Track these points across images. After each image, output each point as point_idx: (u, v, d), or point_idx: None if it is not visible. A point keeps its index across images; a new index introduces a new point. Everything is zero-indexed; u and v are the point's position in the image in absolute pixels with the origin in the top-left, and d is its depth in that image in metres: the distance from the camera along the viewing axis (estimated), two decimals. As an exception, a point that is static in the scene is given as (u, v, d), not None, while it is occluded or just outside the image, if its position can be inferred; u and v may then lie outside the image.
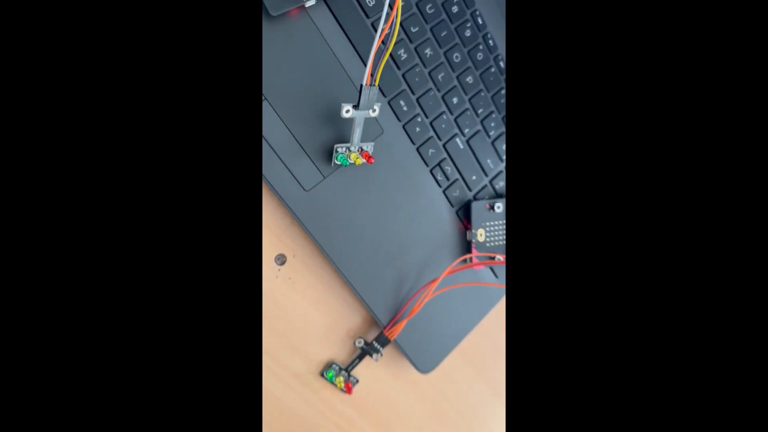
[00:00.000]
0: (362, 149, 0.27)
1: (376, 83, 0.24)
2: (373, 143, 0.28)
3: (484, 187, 0.34)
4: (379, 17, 0.28)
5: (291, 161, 0.26)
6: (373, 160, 0.27)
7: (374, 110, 0.25)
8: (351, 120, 0.26)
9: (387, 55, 0.23)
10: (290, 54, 0.26)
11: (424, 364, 0.33)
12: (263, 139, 0.25)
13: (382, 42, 0.23)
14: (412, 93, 0.30)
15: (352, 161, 0.27)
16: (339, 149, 0.27)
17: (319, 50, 0.27)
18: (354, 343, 0.32)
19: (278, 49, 0.25)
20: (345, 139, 0.28)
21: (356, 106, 0.24)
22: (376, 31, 0.28)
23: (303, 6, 0.26)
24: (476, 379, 0.39)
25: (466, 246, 0.33)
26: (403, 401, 0.36)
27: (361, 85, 0.23)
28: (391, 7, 0.22)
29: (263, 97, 0.25)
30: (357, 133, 0.26)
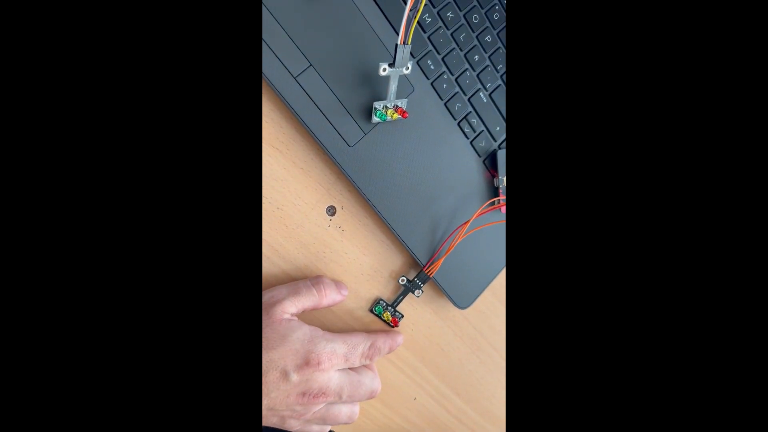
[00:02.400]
0: (397, 106, 0.31)
1: (409, 41, 0.27)
2: (406, 100, 0.31)
3: (507, 138, 0.37)
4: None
5: (336, 120, 0.30)
6: (407, 115, 0.31)
7: (407, 68, 0.29)
8: (387, 78, 0.29)
9: (417, 19, 0.27)
10: (329, 24, 0.29)
11: (462, 300, 0.37)
12: (313, 103, 0.29)
13: (412, 9, 0.26)
14: (438, 53, 0.33)
15: (389, 117, 0.31)
16: (377, 106, 0.30)
17: (355, 19, 0.30)
18: (398, 281, 0.36)
19: (319, 20, 0.29)
20: (381, 97, 0.31)
21: (392, 64, 0.28)
22: (402, -2, 0.31)
23: (338, -20, 0.29)
24: (509, 317, 0.42)
25: (494, 191, 0.37)
26: (443, 337, 0.40)
27: (396, 44, 0.27)
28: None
29: (309, 64, 0.29)
30: (393, 90, 0.29)
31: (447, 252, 0.34)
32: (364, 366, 0.33)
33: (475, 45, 0.35)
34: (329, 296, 0.31)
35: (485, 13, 0.35)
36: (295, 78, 0.29)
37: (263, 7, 0.27)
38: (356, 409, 0.33)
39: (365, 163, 0.32)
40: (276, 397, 0.27)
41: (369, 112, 0.31)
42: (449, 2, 0.34)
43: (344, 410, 0.32)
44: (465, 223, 0.34)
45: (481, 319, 0.41)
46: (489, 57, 0.36)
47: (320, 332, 0.29)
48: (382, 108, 0.30)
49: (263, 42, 0.28)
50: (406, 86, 0.32)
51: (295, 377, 0.27)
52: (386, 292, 0.36)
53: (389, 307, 0.36)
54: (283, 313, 0.29)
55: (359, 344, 0.31)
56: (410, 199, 0.34)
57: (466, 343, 0.41)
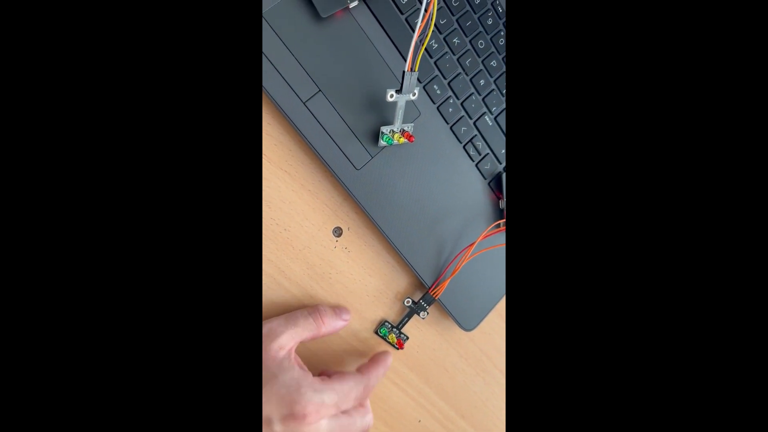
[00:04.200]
0: (404, 130, 0.31)
1: (416, 69, 0.27)
2: (412, 124, 0.32)
3: (512, 160, 0.37)
4: (413, 12, 0.32)
5: (344, 144, 0.31)
6: (413, 139, 0.31)
7: (414, 94, 0.29)
8: (394, 104, 0.30)
9: (423, 47, 0.27)
10: (338, 50, 0.30)
11: (467, 322, 0.37)
12: (321, 127, 0.30)
13: (419, 36, 0.27)
14: (444, 78, 0.34)
15: (395, 141, 0.31)
16: (384, 131, 0.31)
17: (362, 45, 0.31)
18: (403, 303, 0.36)
19: (328, 47, 0.30)
20: (388, 122, 0.32)
21: (399, 91, 0.28)
22: (410, 25, 0.32)
23: (347, 7, 0.30)
24: (514, 339, 0.42)
25: (499, 213, 0.37)
26: (448, 359, 0.39)
27: (403, 72, 0.27)
28: (425, 10, 0.26)
29: (318, 90, 0.29)
30: (399, 115, 0.30)
31: (452, 274, 0.34)
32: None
33: (481, 70, 0.36)
34: (328, 324, 0.31)
35: (491, 38, 0.36)
36: (304, 103, 0.29)
37: (274, 34, 0.28)
38: None
39: (372, 185, 0.32)
40: None
41: (376, 136, 0.31)
42: (455, 28, 0.34)
43: None
44: (470, 245, 0.35)
45: (486, 340, 0.41)
46: (494, 81, 0.36)
47: (310, 379, 0.28)
48: (389, 132, 0.31)
49: (274, 68, 0.28)
50: (412, 111, 0.33)
51: (279, 428, 0.26)
52: (391, 314, 0.36)
53: (394, 329, 0.35)
54: (280, 349, 0.28)
55: (352, 390, 0.29)
56: (416, 221, 0.34)
57: (471, 364, 0.41)
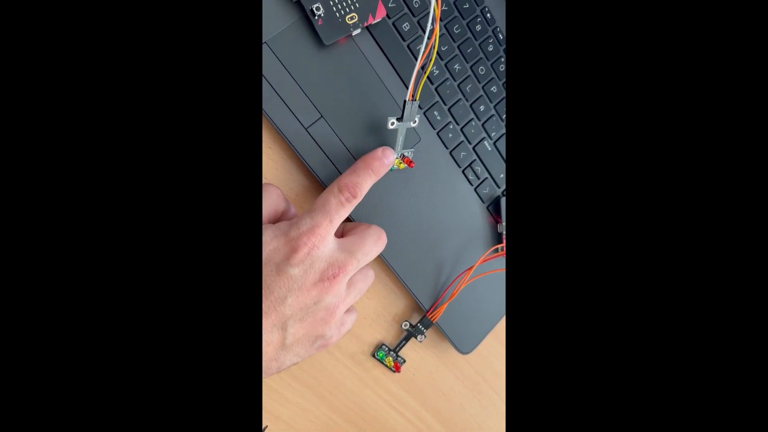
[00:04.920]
0: (404, 155, 0.32)
1: (417, 98, 0.28)
2: (412, 150, 0.32)
3: (511, 184, 0.38)
4: (415, 39, 0.33)
5: (345, 169, 0.31)
6: (413, 165, 0.32)
7: (415, 121, 0.29)
8: (395, 131, 0.30)
9: (425, 77, 0.28)
10: (341, 77, 0.30)
11: (464, 345, 0.37)
12: (323, 153, 0.30)
13: (422, 66, 0.27)
14: (444, 104, 0.34)
15: (395, 166, 0.31)
16: (385, 156, 0.31)
17: (365, 72, 0.31)
18: (400, 326, 0.36)
19: (331, 73, 0.30)
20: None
21: (400, 119, 0.29)
22: (412, 52, 0.33)
23: (350, 35, 0.30)
24: (511, 361, 0.42)
25: (498, 237, 0.37)
26: (445, 381, 0.39)
27: (404, 101, 0.28)
28: (429, 38, 0.26)
29: (320, 116, 0.30)
30: (400, 142, 0.30)
31: (450, 297, 0.35)
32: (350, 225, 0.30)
33: (481, 95, 0.36)
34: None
35: (491, 64, 0.36)
36: (306, 129, 0.29)
37: (278, 61, 0.28)
38: (371, 272, 0.30)
39: (371, 210, 0.32)
40: (293, 304, 0.24)
41: (376, 160, 0.32)
42: (456, 55, 0.35)
43: (369, 275, 0.29)
44: (469, 269, 0.35)
45: (483, 363, 0.41)
46: (494, 107, 0.37)
47: (285, 222, 0.26)
48: (390, 158, 0.31)
49: (277, 94, 0.28)
50: (413, 136, 0.33)
51: (295, 270, 0.24)
52: (389, 337, 0.36)
53: (391, 352, 0.35)
54: None
55: (328, 199, 0.26)
56: (415, 245, 0.34)
57: (467, 387, 0.40)
